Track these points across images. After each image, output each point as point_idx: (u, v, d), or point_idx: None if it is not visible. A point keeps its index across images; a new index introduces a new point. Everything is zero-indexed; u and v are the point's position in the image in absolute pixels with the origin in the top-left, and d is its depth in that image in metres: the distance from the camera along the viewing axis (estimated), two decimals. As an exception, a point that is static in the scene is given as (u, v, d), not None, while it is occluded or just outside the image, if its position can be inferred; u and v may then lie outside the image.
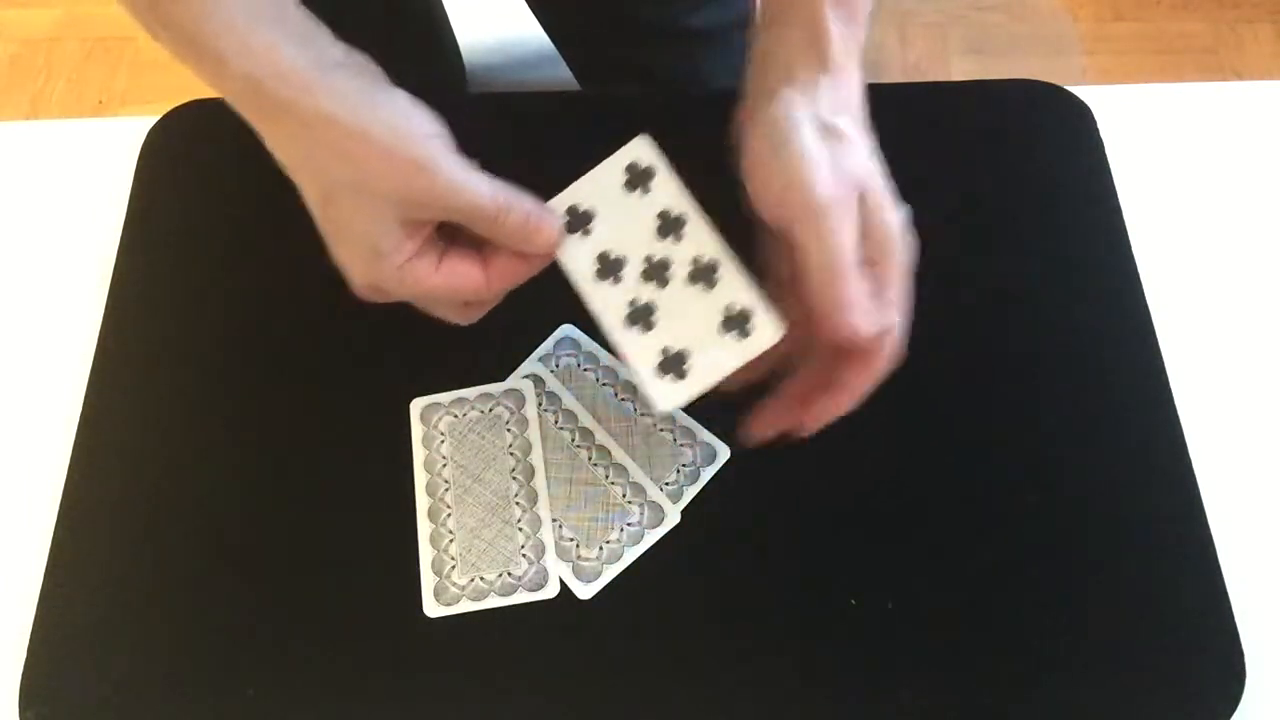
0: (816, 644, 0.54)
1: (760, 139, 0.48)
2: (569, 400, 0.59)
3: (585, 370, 0.60)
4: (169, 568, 0.56)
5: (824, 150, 0.47)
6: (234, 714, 0.53)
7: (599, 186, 0.50)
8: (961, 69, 1.62)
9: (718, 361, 0.48)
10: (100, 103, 1.63)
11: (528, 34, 0.98)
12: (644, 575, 0.55)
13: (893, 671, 0.53)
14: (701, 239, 0.49)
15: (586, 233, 0.50)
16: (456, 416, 0.59)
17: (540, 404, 0.59)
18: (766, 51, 0.51)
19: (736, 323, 0.48)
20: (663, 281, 0.49)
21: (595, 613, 0.54)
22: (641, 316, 0.49)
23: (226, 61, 0.45)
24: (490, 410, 0.59)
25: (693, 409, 0.59)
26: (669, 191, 0.50)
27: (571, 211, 0.50)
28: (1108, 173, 0.67)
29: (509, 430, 0.59)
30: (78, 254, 0.66)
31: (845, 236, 0.46)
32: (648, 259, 0.49)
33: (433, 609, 0.54)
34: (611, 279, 0.50)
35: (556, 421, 0.59)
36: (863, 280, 0.47)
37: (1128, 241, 0.64)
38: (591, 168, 0.51)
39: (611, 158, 0.51)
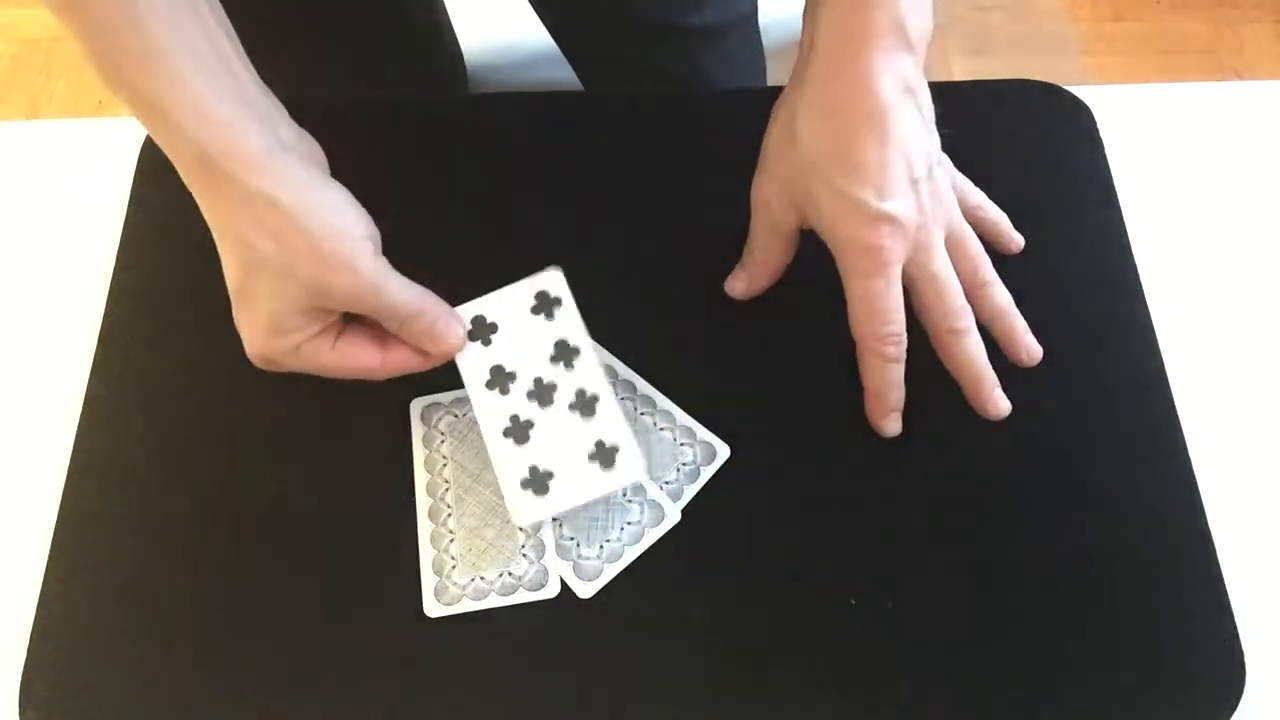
0: (816, 644, 0.54)
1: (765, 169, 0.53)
2: (569, 400, 0.59)
3: (585, 370, 0.60)
4: (169, 568, 0.56)
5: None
6: (234, 714, 0.53)
7: (508, 304, 0.55)
8: (961, 69, 1.62)
9: (578, 486, 0.53)
10: (100, 103, 1.63)
11: (528, 34, 0.98)
12: (644, 574, 0.55)
13: (893, 671, 0.53)
14: (590, 372, 0.54)
15: (487, 343, 0.54)
16: (457, 416, 0.59)
17: (540, 404, 0.59)
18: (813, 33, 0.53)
19: (604, 455, 0.53)
20: (546, 402, 0.54)
21: (596, 612, 0.54)
22: (519, 431, 0.53)
23: (182, 130, 0.47)
24: (490, 410, 0.59)
25: (693, 408, 0.59)
26: (571, 324, 0.54)
27: (477, 321, 0.55)
28: (1108, 173, 0.67)
29: (509, 430, 0.59)
30: (78, 254, 0.66)
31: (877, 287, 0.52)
32: (537, 380, 0.54)
33: (433, 608, 0.54)
34: (499, 390, 0.54)
35: (557, 421, 0.59)
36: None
37: (1128, 241, 0.64)
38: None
39: (525, 280, 0.55)
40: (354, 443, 0.59)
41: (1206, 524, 0.56)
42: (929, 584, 0.55)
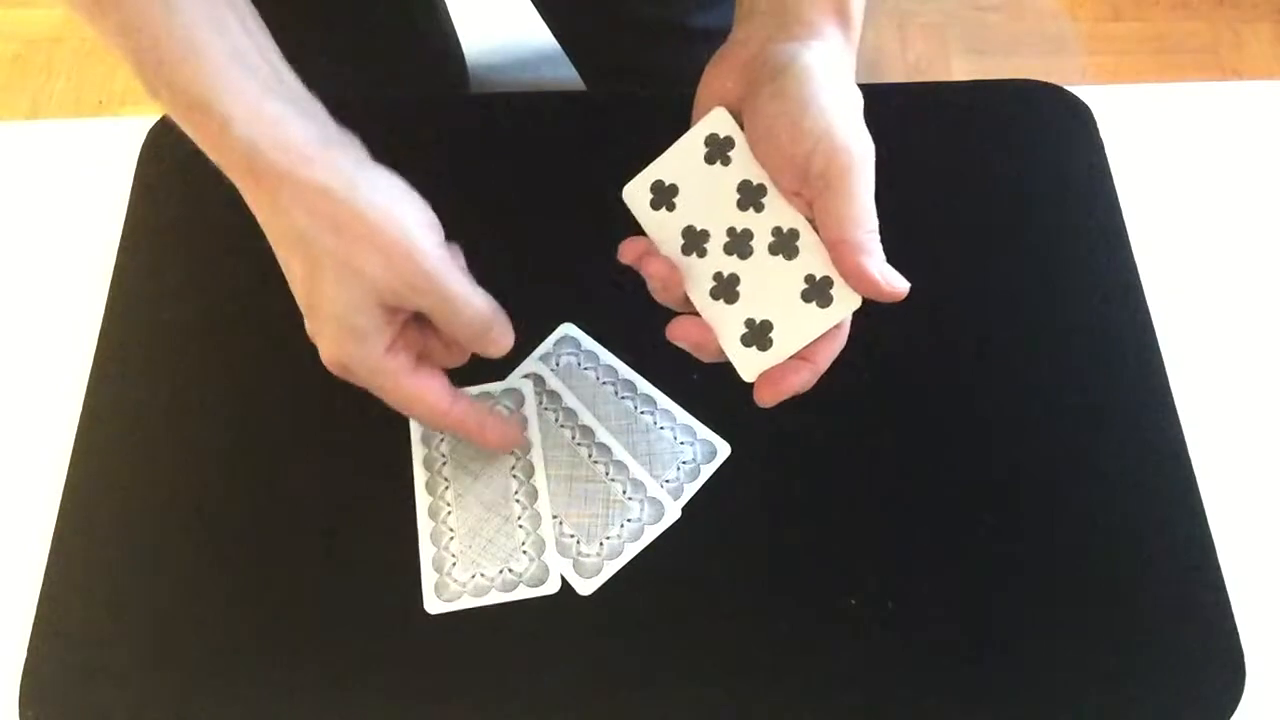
0: (816, 644, 0.54)
1: (798, 82, 0.47)
2: (569, 398, 0.60)
3: (586, 369, 0.60)
4: (169, 568, 0.56)
5: (854, 110, 0.48)
6: (235, 713, 0.53)
7: (682, 159, 0.51)
8: (961, 69, 1.62)
9: (800, 329, 0.49)
10: (100, 103, 1.63)
11: (530, 34, 0.98)
12: (644, 571, 0.55)
13: (893, 671, 0.53)
14: (780, 208, 0.50)
15: (671, 207, 0.51)
16: (457, 415, 0.59)
17: (540, 402, 0.59)
18: (784, 5, 0.51)
19: (817, 291, 0.49)
20: (745, 253, 0.50)
21: (596, 608, 0.54)
22: (727, 289, 0.50)
23: (231, 126, 0.45)
24: (489, 409, 0.59)
25: (693, 407, 0.59)
26: (746, 162, 0.50)
27: (656, 186, 0.51)
28: (1108, 173, 0.67)
29: (509, 429, 0.59)
30: (78, 254, 0.66)
31: (871, 193, 0.47)
32: (730, 230, 0.50)
33: (434, 605, 0.54)
34: (696, 253, 0.50)
35: (557, 419, 0.59)
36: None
37: (1128, 241, 0.64)
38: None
39: (691, 131, 0.51)
40: (354, 441, 0.59)
41: (1206, 524, 0.56)
42: (929, 584, 0.55)
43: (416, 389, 0.50)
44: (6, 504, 0.59)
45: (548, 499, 0.57)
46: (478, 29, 1.12)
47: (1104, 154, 0.67)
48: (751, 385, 0.51)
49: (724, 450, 0.58)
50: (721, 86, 0.51)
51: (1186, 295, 0.64)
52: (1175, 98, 0.72)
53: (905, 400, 0.59)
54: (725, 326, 0.50)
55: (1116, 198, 0.66)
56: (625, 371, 0.60)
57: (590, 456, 0.58)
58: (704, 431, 0.58)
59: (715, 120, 0.50)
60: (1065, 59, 1.64)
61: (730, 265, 0.50)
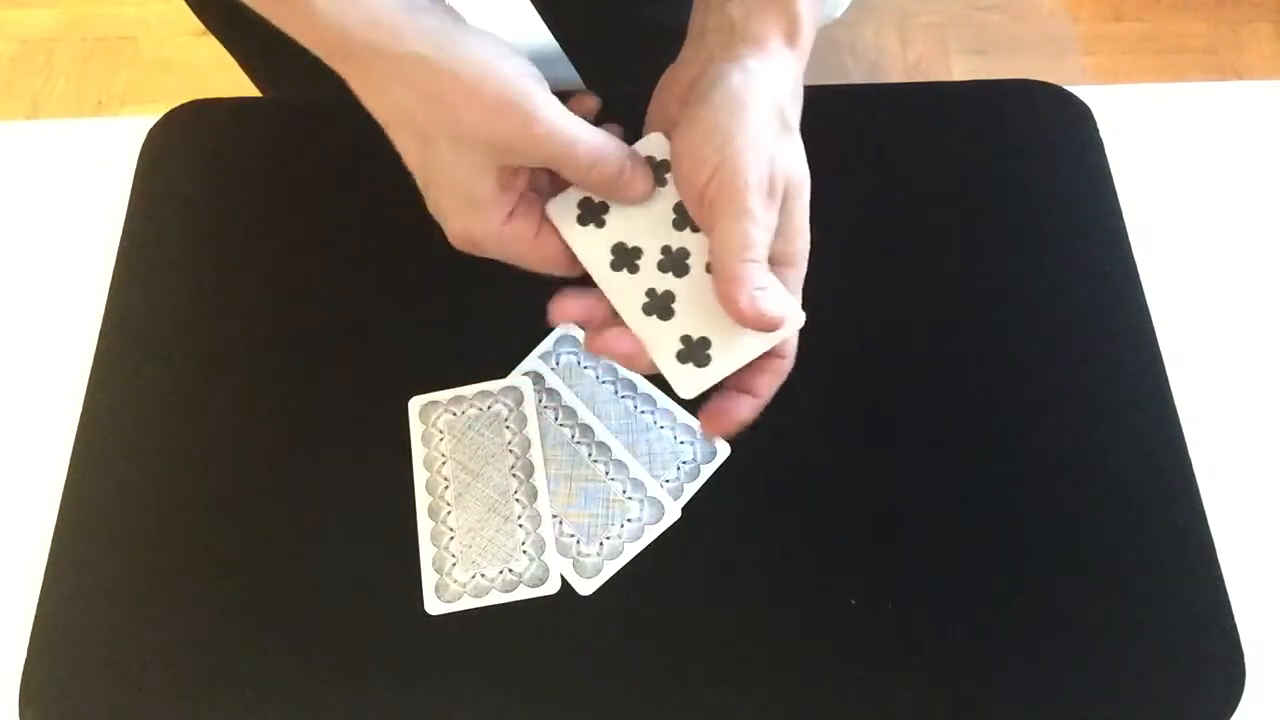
0: (816, 644, 0.54)
1: (712, 109, 0.47)
2: (569, 397, 0.60)
3: (585, 368, 0.60)
4: (169, 567, 0.56)
5: (773, 143, 0.47)
6: (235, 713, 0.53)
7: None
8: (961, 69, 1.62)
9: (738, 349, 0.48)
10: (100, 103, 1.63)
11: (530, 34, 0.98)
12: (644, 571, 0.55)
13: (892, 671, 0.53)
14: None
15: (600, 224, 0.50)
16: (455, 414, 0.59)
17: (540, 401, 0.59)
18: (733, 18, 0.50)
19: None
20: (681, 271, 0.49)
21: (596, 608, 0.54)
22: (660, 305, 0.49)
23: (315, 11, 0.44)
24: (489, 408, 0.59)
25: (693, 407, 0.59)
26: None
27: (584, 203, 0.50)
28: (1108, 173, 0.67)
29: (508, 427, 0.59)
30: (78, 254, 0.66)
31: (763, 235, 0.46)
32: (665, 249, 0.49)
33: (434, 606, 0.54)
34: (626, 269, 0.49)
35: (557, 418, 0.59)
36: (769, 275, 0.46)
37: (1128, 241, 0.64)
38: None
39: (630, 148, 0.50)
40: (353, 441, 0.59)
41: (1207, 524, 0.56)
42: (929, 584, 0.55)
43: (540, 254, 0.49)
44: (6, 504, 0.59)
45: (548, 498, 0.57)
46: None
47: (1104, 154, 0.67)
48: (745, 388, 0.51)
49: (724, 450, 0.58)
50: (665, 109, 0.51)
51: (1186, 294, 0.64)
52: (1175, 98, 0.72)
53: (904, 400, 0.59)
54: (659, 342, 0.48)
55: (1116, 198, 0.66)
56: (625, 370, 0.60)
57: (590, 456, 0.58)
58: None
59: (651, 144, 0.50)
60: (1065, 59, 1.65)
61: (665, 282, 0.49)
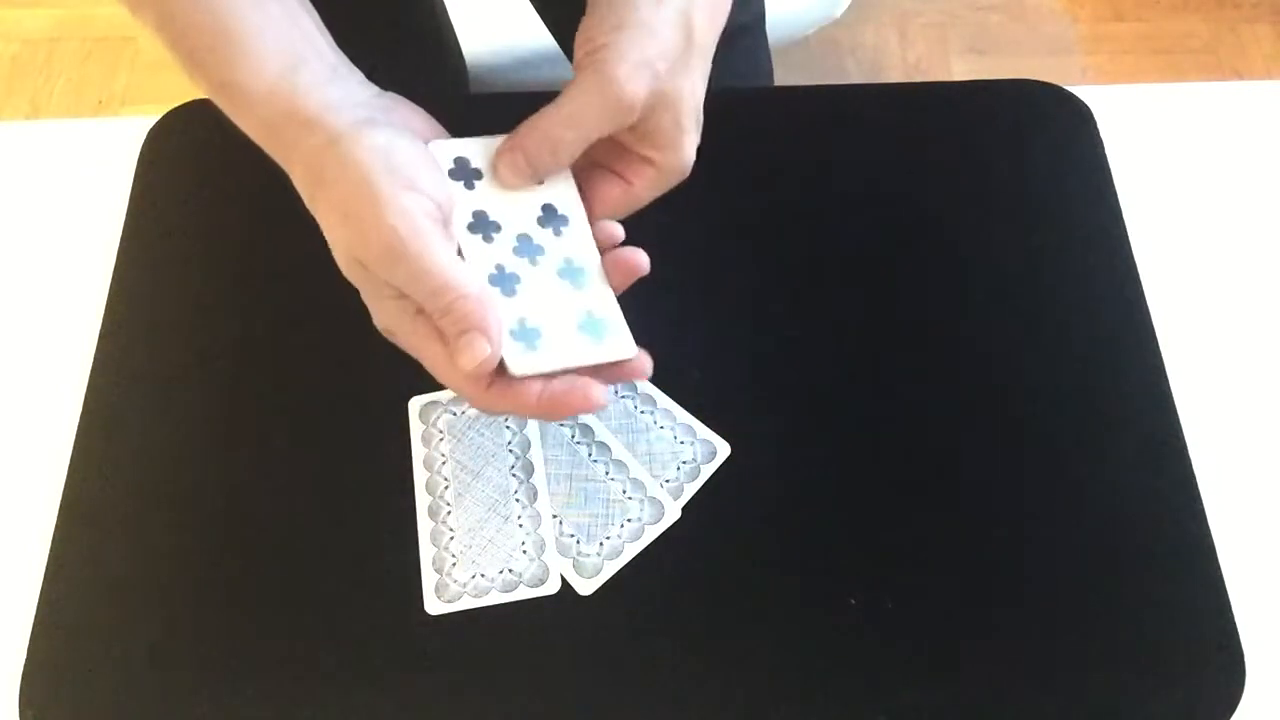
0: (816, 644, 0.54)
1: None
2: (569, 399, 0.59)
3: (585, 369, 0.60)
4: (169, 567, 0.56)
5: (667, 44, 0.47)
6: (235, 713, 0.53)
7: (492, 152, 0.50)
8: (961, 69, 1.62)
9: (568, 352, 0.48)
10: (100, 103, 1.63)
11: (529, 34, 0.99)
12: (644, 571, 0.55)
13: (893, 671, 0.53)
14: (579, 244, 0.50)
15: (470, 186, 0.50)
16: (455, 414, 0.59)
17: (540, 403, 0.59)
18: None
19: (592, 328, 0.49)
20: (533, 261, 0.49)
21: (596, 608, 0.54)
22: (505, 282, 0.49)
23: (252, 107, 0.46)
24: (490, 409, 0.59)
25: (693, 407, 0.59)
26: (564, 192, 0.50)
27: (460, 162, 0.50)
28: (1108, 173, 0.67)
29: (508, 427, 0.59)
30: (78, 254, 0.66)
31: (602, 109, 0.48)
32: (522, 237, 0.50)
33: (434, 606, 0.54)
34: (482, 236, 0.49)
35: (557, 420, 0.59)
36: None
37: (1128, 241, 0.64)
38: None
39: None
40: (353, 441, 0.59)
41: (1206, 524, 0.56)
42: (929, 584, 0.55)
43: (433, 356, 0.47)
44: (6, 504, 0.59)
45: (548, 498, 0.57)
46: (478, 29, 1.12)
47: (1104, 154, 0.67)
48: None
49: (724, 450, 0.58)
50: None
51: (1186, 295, 0.64)
52: (1175, 98, 0.72)
53: (904, 400, 0.59)
54: (500, 312, 0.47)
55: (1116, 198, 0.66)
56: (625, 371, 0.60)
57: (590, 456, 0.58)
58: (704, 431, 0.58)
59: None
60: (1065, 59, 1.64)
61: (515, 265, 0.49)
